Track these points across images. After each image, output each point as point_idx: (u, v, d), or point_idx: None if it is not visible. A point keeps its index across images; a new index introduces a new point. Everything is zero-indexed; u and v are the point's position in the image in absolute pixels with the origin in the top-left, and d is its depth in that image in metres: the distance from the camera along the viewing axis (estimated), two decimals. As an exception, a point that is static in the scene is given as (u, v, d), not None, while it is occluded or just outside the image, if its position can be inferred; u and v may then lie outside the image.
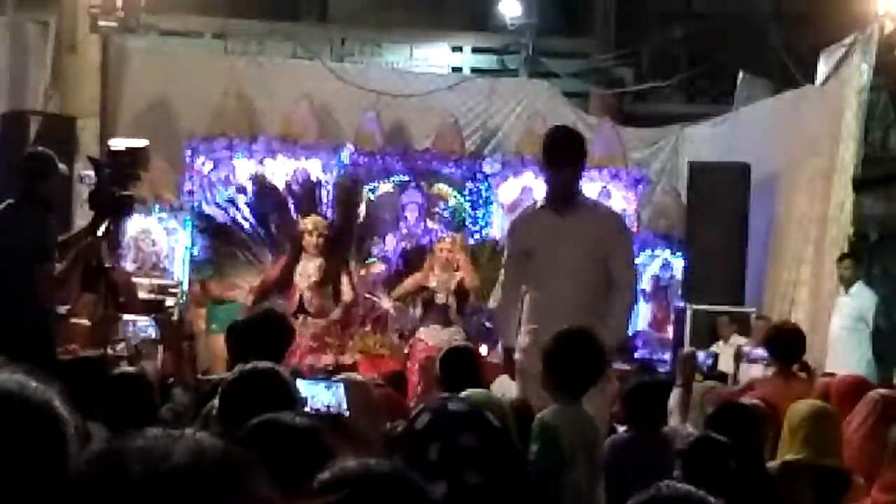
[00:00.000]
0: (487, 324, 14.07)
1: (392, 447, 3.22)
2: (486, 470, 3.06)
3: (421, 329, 13.67)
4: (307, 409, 4.22)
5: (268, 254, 15.09)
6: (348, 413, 4.45)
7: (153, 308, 12.58)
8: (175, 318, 13.32)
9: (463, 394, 5.02)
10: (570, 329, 5.79)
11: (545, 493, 3.01)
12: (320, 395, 4.50)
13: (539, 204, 8.00)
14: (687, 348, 12.64)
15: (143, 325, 10.86)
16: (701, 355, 12.32)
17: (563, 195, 7.71)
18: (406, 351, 13.76)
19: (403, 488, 2.24)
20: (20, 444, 2.38)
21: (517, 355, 7.65)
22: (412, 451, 3.04)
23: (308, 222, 14.29)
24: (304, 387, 4.40)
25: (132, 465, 1.49)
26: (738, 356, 11.38)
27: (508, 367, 7.88)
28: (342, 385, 4.70)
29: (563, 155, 7.66)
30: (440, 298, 13.64)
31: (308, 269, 14.03)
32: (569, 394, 5.61)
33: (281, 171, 15.47)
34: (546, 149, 7.77)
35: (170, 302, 14.01)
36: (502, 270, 8.35)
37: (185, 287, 14.82)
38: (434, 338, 13.21)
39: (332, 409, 4.40)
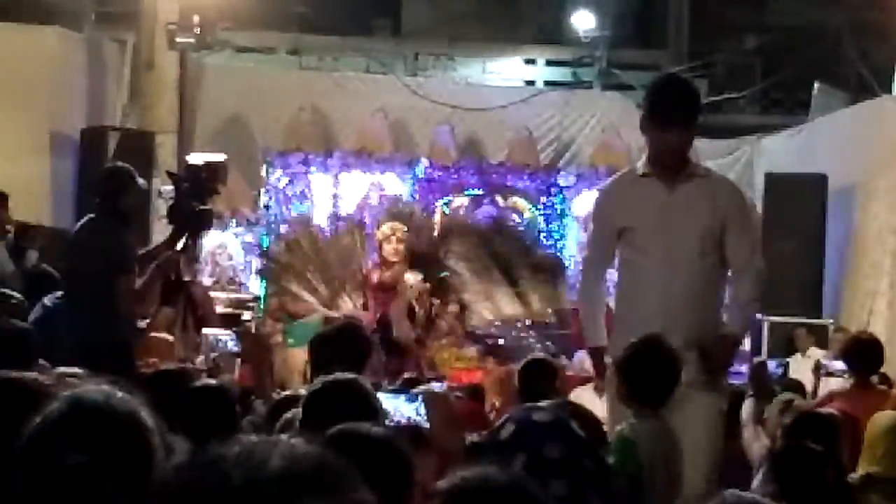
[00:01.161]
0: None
1: (475, 458, 3.21)
2: (572, 481, 3.06)
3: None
4: (388, 422, 4.24)
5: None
6: (428, 425, 4.47)
7: (230, 322, 12.63)
8: (253, 331, 13.39)
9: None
10: (644, 337, 5.73)
11: (630, 504, 3.02)
12: (402, 408, 4.52)
13: (639, 171, 6.34)
14: (757, 359, 12.60)
15: (223, 339, 10.92)
16: (772, 364, 12.26)
17: (671, 162, 6.19)
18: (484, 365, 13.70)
19: (523, 499, 2.24)
20: (108, 454, 2.43)
21: (609, 359, 6.25)
22: (497, 462, 3.04)
23: (385, 228, 14.21)
24: (385, 399, 4.42)
25: (231, 471, 1.50)
26: (818, 369, 11.29)
27: (599, 370, 6.62)
28: (422, 397, 4.72)
29: (672, 111, 6.11)
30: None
31: (410, 279, 13.94)
32: (645, 405, 5.57)
33: (356, 185, 15.50)
34: (651, 103, 6.25)
35: (247, 316, 14.09)
36: (585, 253, 6.81)
37: (263, 301, 14.91)
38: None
39: (412, 422, 4.42)
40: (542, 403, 4.21)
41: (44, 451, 2.45)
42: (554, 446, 3.06)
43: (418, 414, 4.53)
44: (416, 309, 13.82)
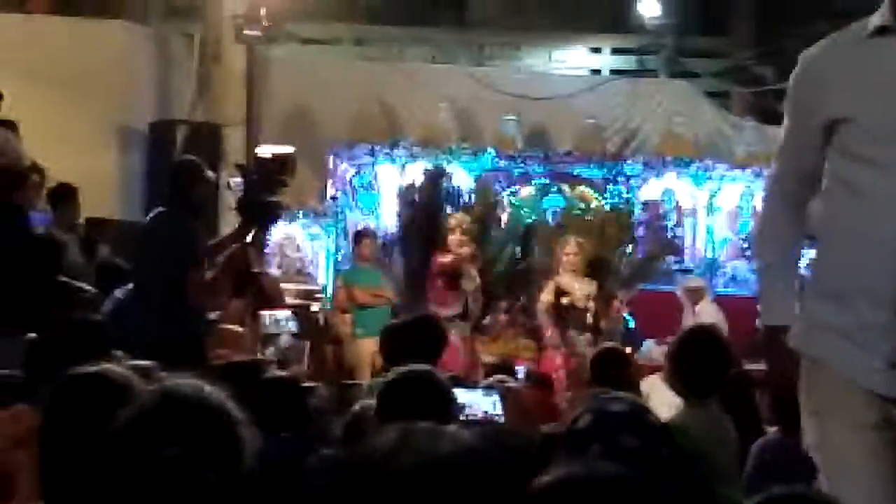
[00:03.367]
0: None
1: (551, 449, 3.21)
2: (648, 470, 3.05)
3: (552, 336, 13.49)
4: (464, 416, 4.25)
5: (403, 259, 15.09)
6: (503, 419, 4.48)
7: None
8: (321, 323, 13.44)
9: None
10: (696, 326, 5.71)
11: (707, 493, 3.00)
12: (477, 402, 4.54)
13: (871, 25, 3.71)
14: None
15: (281, 319, 10.96)
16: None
17: None
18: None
19: (632, 492, 2.22)
20: (201, 446, 2.47)
21: (801, 344, 3.76)
22: (573, 452, 3.04)
23: (452, 220, 14.12)
24: (461, 394, 4.44)
25: (404, 454, 1.54)
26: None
27: (776, 361, 3.88)
28: (497, 391, 4.73)
29: None
30: (580, 303, 13.52)
31: (471, 272, 13.84)
32: (696, 395, 5.55)
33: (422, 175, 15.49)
34: None
35: (315, 307, 14.15)
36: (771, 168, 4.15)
37: (330, 292, 14.95)
38: (567, 345, 13.16)
39: (488, 416, 4.43)
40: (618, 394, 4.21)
41: (138, 442, 2.49)
42: (630, 436, 3.06)
43: (494, 407, 4.53)
44: (470, 305, 13.77)
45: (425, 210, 14.81)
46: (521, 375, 10.78)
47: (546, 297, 13.56)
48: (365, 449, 1.58)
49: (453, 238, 13.81)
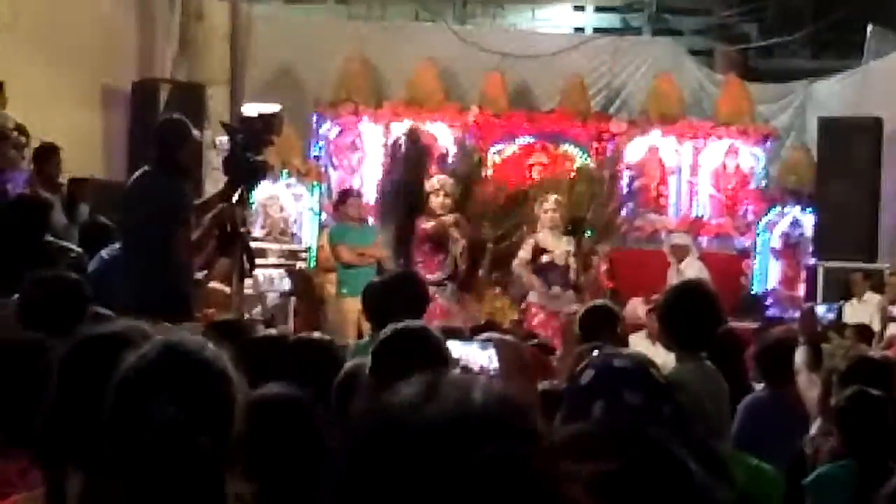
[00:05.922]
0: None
1: (550, 405, 3.18)
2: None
3: (534, 294, 13.44)
4: (459, 370, 4.21)
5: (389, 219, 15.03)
6: (500, 373, 4.44)
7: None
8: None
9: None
10: (683, 282, 5.67)
11: (709, 451, 2.98)
12: (474, 356, 4.50)
13: None
14: (806, 304, 12.54)
15: (275, 279, 10.96)
16: (822, 309, 12.18)
17: None
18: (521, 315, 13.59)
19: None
20: (198, 406, 2.44)
21: None
22: (576, 408, 3.02)
23: (436, 182, 14.05)
24: (457, 347, 4.40)
25: (434, 403, 1.51)
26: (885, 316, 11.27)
27: None
28: (494, 345, 4.69)
29: None
30: (560, 260, 13.46)
31: (455, 235, 13.77)
32: (687, 348, 5.53)
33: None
34: None
35: (300, 266, 14.13)
36: None
37: (314, 252, 14.92)
38: (550, 302, 13.12)
39: (484, 369, 4.39)
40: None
41: (135, 396, 2.44)
42: (634, 392, 3.03)
43: (490, 361, 4.49)
44: (459, 265, 13.70)
45: (406, 175, 14.73)
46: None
47: (523, 254, 13.50)
48: (390, 400, 1.54)
49: (436, 201, 13.72)
